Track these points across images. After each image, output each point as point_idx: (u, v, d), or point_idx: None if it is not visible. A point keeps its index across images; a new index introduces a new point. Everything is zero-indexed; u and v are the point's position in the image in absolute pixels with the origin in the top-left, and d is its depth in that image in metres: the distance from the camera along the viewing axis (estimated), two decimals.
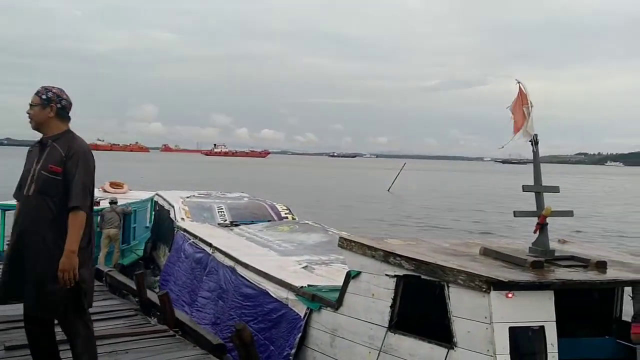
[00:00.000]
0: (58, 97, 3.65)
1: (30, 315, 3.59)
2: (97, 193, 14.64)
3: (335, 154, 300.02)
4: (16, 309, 5.15)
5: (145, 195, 16.82)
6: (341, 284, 5.36)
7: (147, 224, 16.42)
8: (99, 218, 12.78)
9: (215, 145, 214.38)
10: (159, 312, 5.87)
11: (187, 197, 14.11)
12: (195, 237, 9.54)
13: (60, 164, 3.49)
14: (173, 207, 12.88)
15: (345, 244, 5.29)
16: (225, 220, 12.01)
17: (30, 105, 3.62)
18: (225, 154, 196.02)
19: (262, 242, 9.22)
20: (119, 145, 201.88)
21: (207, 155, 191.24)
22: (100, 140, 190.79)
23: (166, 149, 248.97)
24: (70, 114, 3.74)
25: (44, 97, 3.61)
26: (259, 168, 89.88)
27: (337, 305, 5.34)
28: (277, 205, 13.43)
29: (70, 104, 3.74)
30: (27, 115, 3.65)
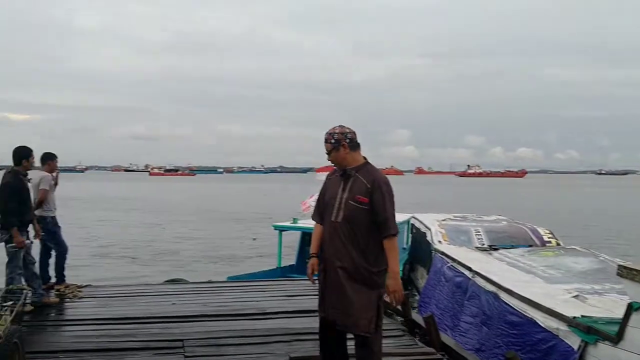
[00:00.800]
0: (343, 135, 3.97)
1: (338, 330, 3.95)
2: None
3: (603, 172, 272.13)
4: (300, 323, 5.80)
5: (401, 217, 17.15)
6: (620, 316, 4.86)
7: (404, 246, 16.81)
8: None
9: (468, 166, 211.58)
10: (424, 334, 5.96)
11: (443, 220, 14.15)
12: (454, 260, 9.47)
13: (367, 195, 3.81)
14: (430, 229, 13.02)
15: (627, 272, 4.76)
16: (483, 243, 11.74)
17: (327, 153, 4.00)
18: (480, 174, 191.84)
19: (525, 268, 8.77)
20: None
21: (461, 176, 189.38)
22: None
23: (420, 171, 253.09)
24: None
25: (333, 141, 3.95)
26: (515, 189, 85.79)
27: (616, 339, 4.85)
28: (538, 229, 12.70)
29: (354, 132, 4.04)
30: (330, 161, 4.05)
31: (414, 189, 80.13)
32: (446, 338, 6.11)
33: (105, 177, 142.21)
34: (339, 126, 4.02)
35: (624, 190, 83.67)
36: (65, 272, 7.59)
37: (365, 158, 4.03)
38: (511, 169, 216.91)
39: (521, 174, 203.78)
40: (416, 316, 6.62)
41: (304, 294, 7.35)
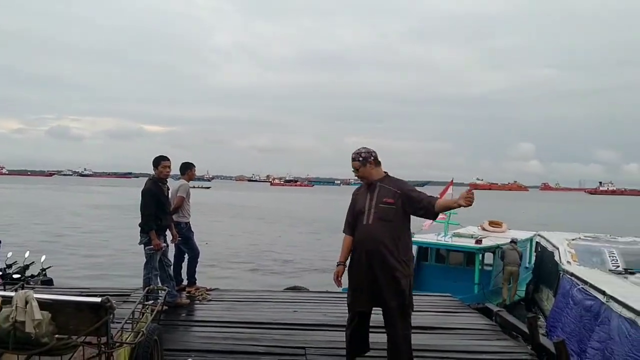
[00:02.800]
0: (369, 154, 4.73)
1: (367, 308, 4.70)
2: (477, 231, 15.13)
3: None
4: (420, 339, 5.73)
5: (525, 235, 16.49)
6: None
7: (527, 265, 16.09)
8: (499, 254, 13.51)
9: (600, 183, 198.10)
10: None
11: (573, 240, 13.37)
12: (585, 282, 8.91)
13: (393, 198, 4.58)
14: (558, 249, 12.34)
15: None
16: (618, 266, 10.95)
17: (356, 169, 4.76)
18: (613, 192, 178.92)
19: None
20: (497, 184, 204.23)
21: (592, 194, 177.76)
22: (479, 179, 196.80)
23: (546, 187, 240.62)
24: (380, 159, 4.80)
25: (361, 159, 4.73)
26: None
27: None
28: None
29: (375, 152, 4.78)
30: (358, 176, 4.79)
31: (539, 205, 76.37)
32: None
33: (230, 186, 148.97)
34: (364, 148, 4.77)
35: None
36: (196, 276, 8.04)
37: (385, 172, 4.78)
38: None
39: None
40: (545, 340, 6.31)
41: (423, 309, 7.26)
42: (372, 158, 4.73)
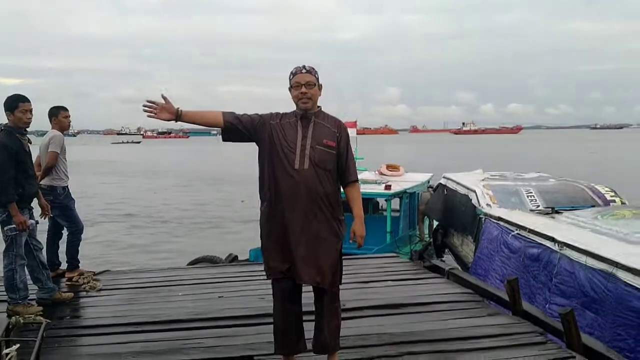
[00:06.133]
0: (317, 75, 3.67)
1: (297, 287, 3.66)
2: (373, 176, 14.39)
3: (598, 126, 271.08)
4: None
5: (422, 177, 16.06)
6: None
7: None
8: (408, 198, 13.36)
9: (464, 123, 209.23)
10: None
11: (484, 180, 12.85)
12: (521, 227, 8.15)
13: (333, 139, 3.60)
14: (474, 191, 11.67)
15: None
16: (538, 206, 10.40)
17: (307, 86, 3.56)
18: (475, 131, 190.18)
19: (613, 235, 7.43)
20: (370, 128, 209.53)
21: (456, 134, 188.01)
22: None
23: (414, 130, 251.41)
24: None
25: (317, 76, 3.64)
26: (517, 144, 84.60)
27: None
28: (596, 187, 11.37)
29: None
30: (302, 96, 3.58)
31: (413, 148, 79.03)
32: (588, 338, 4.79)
33: (99, 140, 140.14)
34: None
35: (628, 143, 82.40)
36: (79, 257, 6.16)
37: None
38: (506, 125, 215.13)
39: (516, 129, 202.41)
40: (528, 306, 5.29)
41: (377, 277, 5.97)
42: (320, 82, 3.69)
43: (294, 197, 3.52)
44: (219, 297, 5.47)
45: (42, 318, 3.90)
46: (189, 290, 5.73)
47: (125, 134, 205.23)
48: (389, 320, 4.84)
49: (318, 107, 3.70)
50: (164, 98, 3.53)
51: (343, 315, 3.93)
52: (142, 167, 44.61)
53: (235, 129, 3.63)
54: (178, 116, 3.54)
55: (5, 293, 4.95)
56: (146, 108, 3.53)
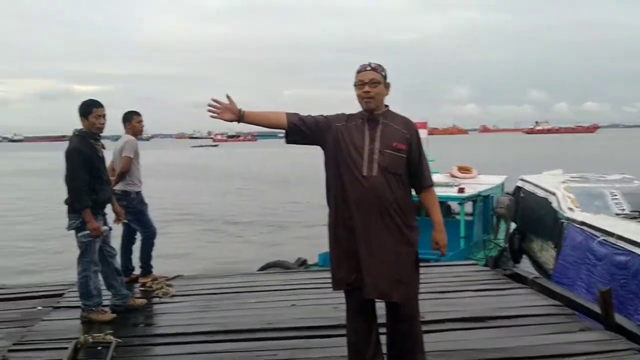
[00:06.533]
0: (386, 71, 3.47)
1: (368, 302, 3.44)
2: (445, 178, 13.92)
3: None
4: None
5: (496, 180, 15.41)
6: None
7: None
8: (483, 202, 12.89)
9: (537, 122, 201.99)
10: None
11: (564, 182, 12.20)
12: (608, 233, 7.64)
13: (404, 142, 3.37)
14: (554, 194, 11.09)
15: None
16: (624, 209, 9.77)
17: (373, 82, 3.36)
18: (549, 131, 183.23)
19: None
20: (438, 129, 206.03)
21: (529, 133, 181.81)
22: None
23: (484, 129, 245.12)
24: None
25: (384, 73, 3.43)
26: (594, 144, 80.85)
27: None
28: None
29: None
30: (365, 95, 3.37)
31: (484, 148, 76.89)
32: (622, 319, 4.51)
33: (171, 144, 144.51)
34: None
35: None
36: (153, 262, 6.15)
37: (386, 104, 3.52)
38: (581, 124, 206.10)
39: (592, 128, 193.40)
40: (622, 319, 4.83)
41: (454, 287, 5.69)
42: (387, 80, 3.46)
43: (363, 206, 3.30)
44: (292, 305, 5.29)
45: (111, 337, 3.81)
46: (261, 298, 5.57)
47: (197, 137, 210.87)
48: (472, 335, 4.51)
49: (385, 106, 3.48)
50: (228, 98, 3.40)
51: (422, 328, 3.66)
52: (217, 170, 45.48)
53: (299, 130, 3.45)
54: (240, 117, 3.42)
55: (79, 299, 4.97)
56: (210, 108, 3.41)
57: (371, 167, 3.31)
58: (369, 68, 3.40)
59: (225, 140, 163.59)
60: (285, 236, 17.38)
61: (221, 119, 3.40)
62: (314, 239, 15.06)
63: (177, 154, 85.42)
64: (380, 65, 3.43)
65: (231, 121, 3.42)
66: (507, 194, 13.36)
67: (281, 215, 20.97)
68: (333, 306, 4.98)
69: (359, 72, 3.42)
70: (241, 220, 19.99)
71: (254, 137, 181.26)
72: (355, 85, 3.43)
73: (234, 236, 17.41)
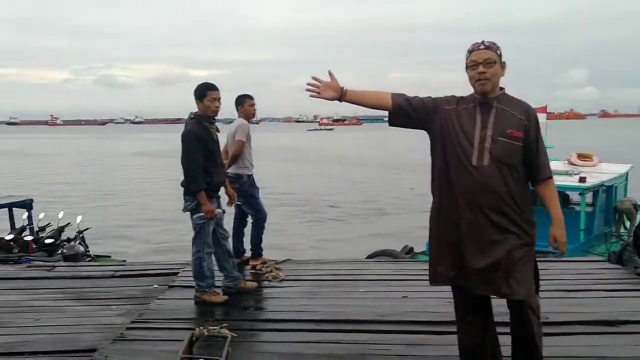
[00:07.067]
0: (500, 50, 3.13)
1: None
2: (563, 166, 12.98)
3: None
4: None
5: (620, 168, 14.19)
6: None
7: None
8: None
9: None
10: None
11: None
12: None
13: (519, 129, 3.05)
14: None
15: None
16: None
17: (487, 62, 3.03)
18: None
19: None
20: (553, 113, 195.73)
21: None
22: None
23: (604, 114, 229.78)
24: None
25: (499, 52, 3.09)
26: None
27: None
28: None
29: None
30: (479, 76, 3.03)
31: (604, 134, 71.85)
32: None
33: (279, 128, 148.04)
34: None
35: None
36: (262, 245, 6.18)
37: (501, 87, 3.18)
38: None
39: None
40: None
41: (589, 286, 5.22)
42: (502, 59, 3.12)
43: (471, 198, 3.00)
44: (403, 297, 5.07)
45: (227, 331, 3.78)
46: (371, 287, 5.41)
47: (303, 121, 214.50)
48: (602, 340, 4.08)
49: (501, 89, 3.13)
50: (330, 74, 3.20)
51: (546, 330, 3.31)
52: (330, 154, 45.77)
53: (404, 112, 3.18)
54: (342, 95, 3.19)
55: (193, 280, 5.05)
56: (309, 87, 3.22)
57: (482, 156, 3.01)
58: (482, 47, 3.07)
59: (331, 124, 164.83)
60: (387, 221, 17.18)
61: (322, 97, 3.21)
62: (416, 226, 14.77)
63: (295, 136, 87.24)
64: (494, 43, 3.10)
65: (332, 99, 3.22)
66: None
67: (383, 200, 20.74)
68: (446, 300, 4.67)
69: (471, 51, 3.09)
70: (342, 205, 19.96)
71: (359, 120, 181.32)
72: (467, 66, 3.10)
73: (336, 221, 17.42)
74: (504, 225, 3.00)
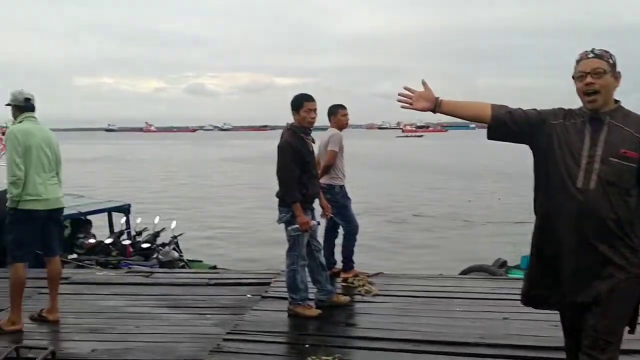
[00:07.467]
0: (615, 59, 2.81)
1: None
2: None
3: None
4: None
5: None
6: None
7: None
8: None
9: None
10: None
11: None
12: None
13: (636, 149, 2.72)
14: None
15: None
16: None
17: (596, 72, 2.72)
18: None
19: None
20: None
21: None
22: None
23: None
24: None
25: (612, 61, 2.78)
26: None
27: None
28: None
29: None
30: (587, 89, 2.74)
31: None
32: None
33: (363, 135, 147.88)
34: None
35: None
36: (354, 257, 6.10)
37: (617, 100, 2.85)
38: None
39: None
40: None
41: None
42: (617, 69, 2.80)
43: (573, 223, 2.73)
44: (504, 319, 4.83)
45: None
46: (467, 307, 5.19)
47: (386, 128, 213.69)
48: None
49: (616, 102, 2.82)
50: (424, 84, 3.01)
51: None
52: (430, 163, 45.28)
53: (505, 126, 2.92)
54: (437, 105, 2.99)
55: (286, 291, 5.04)
56: (401, 97, 3.04)
57: (588, 178, 2.73)
58: (591, 55, 2.77)
59: (415, 131, 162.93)
60: (475, 233, 16.68)
61: (414, 108, 3.03)
62: (506, 238, 14.19)
63: (383, 144, 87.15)
64: (606, 52, 2.79)
65: (425, 110, 3.03)
66: None
67: (469, 210, 20.15)
68: (553, 324, 4.41)
69: (578, 61, 2.82)
70: (431, 215, 19.58)
71: (444, 127, 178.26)
72: (574, 77, 2.83)
73: (421, 231, 17.07)
74: (608, 256, 2.72)
